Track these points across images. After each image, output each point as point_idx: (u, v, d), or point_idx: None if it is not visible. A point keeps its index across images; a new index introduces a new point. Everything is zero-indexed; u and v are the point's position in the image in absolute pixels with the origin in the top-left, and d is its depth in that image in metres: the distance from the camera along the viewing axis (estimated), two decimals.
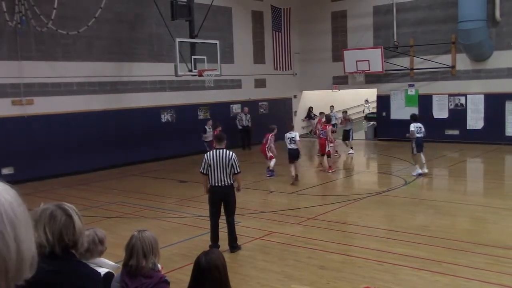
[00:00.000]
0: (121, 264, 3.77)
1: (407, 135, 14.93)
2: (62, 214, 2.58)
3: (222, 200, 8.59)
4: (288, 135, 14.45)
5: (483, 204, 11.75)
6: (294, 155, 14.35)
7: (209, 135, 18.08)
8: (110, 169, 17.60)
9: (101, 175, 16.92)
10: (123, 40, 18.61)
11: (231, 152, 8.55)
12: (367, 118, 26.43)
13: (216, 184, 8.44)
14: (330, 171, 15.91)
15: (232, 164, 8.39)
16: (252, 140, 21.72)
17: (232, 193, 8.63)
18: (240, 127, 22.15)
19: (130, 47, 18.83)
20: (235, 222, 8.75)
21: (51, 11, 15.21)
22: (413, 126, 14.66)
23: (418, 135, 14.61)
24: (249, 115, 22.38)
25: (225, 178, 8.42)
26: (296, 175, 14.32)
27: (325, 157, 16.51)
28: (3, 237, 1.26)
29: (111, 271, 3.70)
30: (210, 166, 8.40)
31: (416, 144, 14.66)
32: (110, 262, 3.84)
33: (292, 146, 14.35)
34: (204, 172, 8.51)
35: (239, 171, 8.55)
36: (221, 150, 8.52)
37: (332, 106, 23.91)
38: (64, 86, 16.94)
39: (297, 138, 14.36)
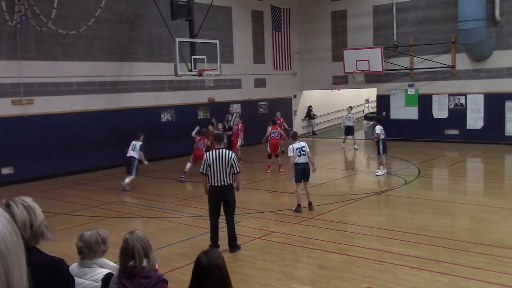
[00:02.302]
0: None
1: (373, 137, 15.38)
2: (4, 208, 2.50)
3: (221, 200, 8.57)
4: (295, 145, 11.16)
5: (482, 203, 11.76)
6: (307, 172, 11.23)
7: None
8: (110, 169, 17.58)
9: (100, 174, 16.93)
10: (123, 39, 18.61)
11: (230, 152, 8.56)
12: (367, 118, 26.43)
13: (216, 184, 8.43)
14: (281, 170, 15.62)
15: (231, 164, 8.37)
16: (245, 140, 21.39)
17: (231, 193, 8.61)
18: (226, 127, 19.75)
19: (130, 46, 18.83)
20: (235, 222, 8.75)
21: (51, 10, 15.22)
22: (379, 129, 15.07)
23: (383, 137, 15.17)
24: (236, 114, 21.02)
25: (225, 178, 8.40)
26: (310, 202, 11.28)
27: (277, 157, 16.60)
28: None
29: (111, 272, 3.70)
30: (209, 166, 8.39)
31: (383, 145, 15.13)
32: (112, 263, 3.84)
33: (302, 159, 11.14)
34: (204, 172, 8.50)
35: (238, 170, 8.54)
36: (220, 150, 8.51)
37: (350, 107, 22.68)
38: (64, 86, 16.94)
39: (307, 149, 11.38)
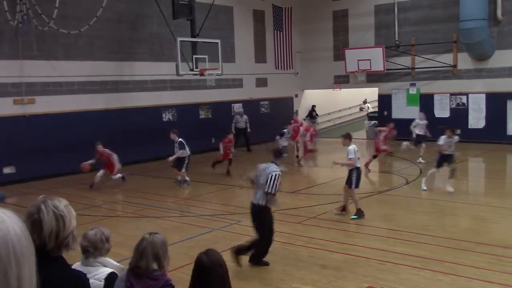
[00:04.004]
0: (125, 263, 3.77)
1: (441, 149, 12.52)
2: (34, 213, 2.42)
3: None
4: (356, 147, 10.35)
5: (484, 203, 11.74)
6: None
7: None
8: None
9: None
10: (124, 39, 18.61)
11: (276, 168, 7.63)
12: (369, 117, 26.49)
13: (251, 199, 7.82)
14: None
15: (267, 180, 7.45)
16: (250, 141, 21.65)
17: (258, 216, 7.65)
18: (233, 131, 19.99)
19: (131, 46, 18.83)
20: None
21: (53, 10, 15.21)
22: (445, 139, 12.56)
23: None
24: (245, 116, 21.38)
25: (258, 195, 7.60)
26: (345, 207, 10.67)
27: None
28: (5, 274, 1.19)
29: (115, 271, 3.71)
30: (256, 176, 7.80)
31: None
32: (115, 263, 3.85)
33: (358, 163, 10.47)
34: (252, 179, 7.96)
35: (270, 191, 7.44)
36: (271, 163, 7.76)
37: (423, 112, 19.10)
38: (65, 85, 16.94)
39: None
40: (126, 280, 3.53)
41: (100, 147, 14.50)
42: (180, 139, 14.42)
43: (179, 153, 14.29)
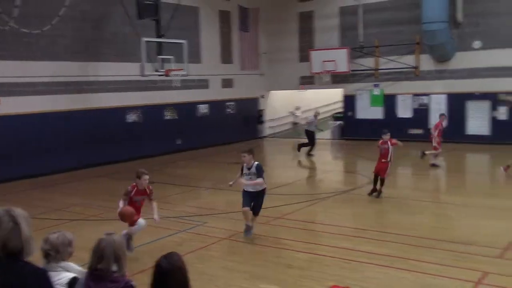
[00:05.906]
0: (86, 267, 3.70)
1: None
2: (9, 220, 2.54)
3: None
4: None
5: (445, 201, 12.03)
6: None
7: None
8: (77, 170, 17.27)
9: (67, 176, 16.59)
10: (88, 39, 18.28)
11: None
12: (334, 118, 26.77)
13: None
14: None
15: None
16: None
17: None
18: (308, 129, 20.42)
19: (96, 46, 18.51)
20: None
21: (14, 9, 14.82)
22: None
23: None
24: (315, 121, 20.64)
25: None
26: None
27: None
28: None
29: (77, 276, 3.64)
30: None
31: None
32: (77, 267, 3.78)
33: None
34: None
35: None
36: None
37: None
38: (29, 86, 16.52)
39: None
40: (85, 284, 3.45)
41: (147, 179, 9.05)
42: (257, 162, 9.10)
43: (258, 182, 8.98)
